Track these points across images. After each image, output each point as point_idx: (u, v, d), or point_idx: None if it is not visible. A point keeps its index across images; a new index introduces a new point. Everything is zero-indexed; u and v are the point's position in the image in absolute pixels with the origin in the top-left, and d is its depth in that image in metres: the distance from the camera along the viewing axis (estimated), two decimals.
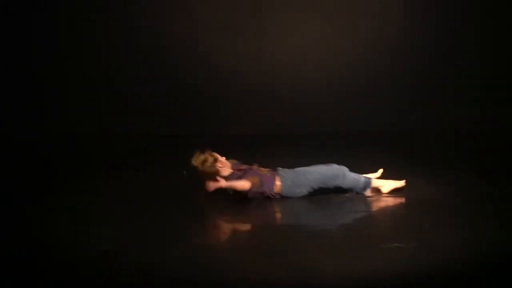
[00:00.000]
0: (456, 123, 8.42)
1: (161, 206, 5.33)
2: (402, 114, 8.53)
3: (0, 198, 5.65)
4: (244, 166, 5.63)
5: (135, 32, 8.65)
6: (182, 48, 8.68)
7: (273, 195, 5.47)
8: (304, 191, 5.48)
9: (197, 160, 5.47)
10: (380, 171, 5.81)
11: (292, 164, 5.71)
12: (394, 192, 5.57)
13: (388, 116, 8.52)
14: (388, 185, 5.58)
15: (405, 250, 4.29)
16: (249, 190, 5.39)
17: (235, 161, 5.72)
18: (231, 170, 5.56)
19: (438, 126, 8.45)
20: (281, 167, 5.63)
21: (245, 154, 5.85)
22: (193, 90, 8.72)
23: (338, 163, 5.71)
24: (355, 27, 8.58)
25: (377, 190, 5.58)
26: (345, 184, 5.51)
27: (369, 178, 5.57)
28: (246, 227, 5.09)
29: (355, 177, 5.53)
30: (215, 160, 5.47)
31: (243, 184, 5.37)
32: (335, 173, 5.48)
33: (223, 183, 5.36)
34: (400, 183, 5.60)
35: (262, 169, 5.57)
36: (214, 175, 5.44)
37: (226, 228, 5.09)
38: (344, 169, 5.53)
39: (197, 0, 8.65)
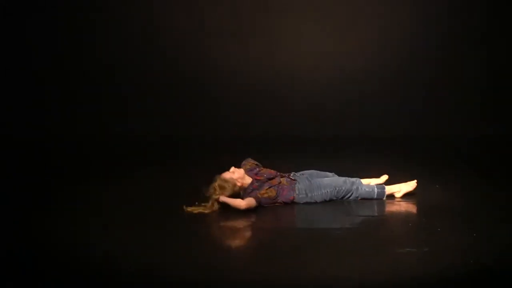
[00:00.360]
0: (457, 126, 8.42)
1: (161, 206, 5.33)
2: (403, 117, 8.52)
3: (0, 198, 5.65)
4: (262, 174, 5.47)
5: (135, 32, 8.65)
6: (182, 48, 8.68)
7: (284, 202, 5.43)
8: (315, 202, 5.45)
9: (217, 192, 5.23)
10: (384, 177, 5.76)
11: (295, 165, 5.73)
12: (405, 196, 5.55)
13: (389, 119, 8.50)
14: (401, 190, 5.56)
15: (416, 255, 4.28)
16: (259, 204, 5.27)
17: (253, 164, 5.61)
18: (250, 179, 5.41)
19: (440, 129, 8.44)
20: (292, 170, 5.64)
21: (246, 155, 5.82)
22: (193, 90, 8.72)
23: (340, 166, 5.72)
24: (358, 30, 8.56)
25: (390, 196, 5.56)
26: (359, 197, 5.51)
27: (383, 188, 5.53)
28: (250, 228, 5.06)
29: (368, 190, 5.51)
30: (232, 181, 5.28)
31: (238, 204, 5.18)
32: (348, 188, 5.47)
33: (222, 198, 5.23)
34: (412, 185, 5.58)
35: (282, 178, 5.47)
36: (241, 190, 5.33)
37: (227, 228, 5.08)
38: (358, 183, 5.51)
39: (198, 1, 8.65)
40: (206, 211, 5.20)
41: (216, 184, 5.26)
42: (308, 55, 8.63)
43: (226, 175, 5.32)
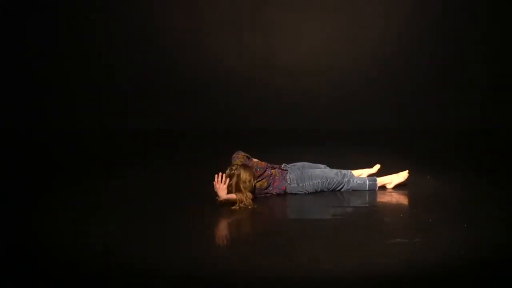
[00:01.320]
0: (456, 123, 8.44)
1: (161, 206, 5.33)
2: (403, 115, 8.54)
3: (0, 198, 5.65)
4: (256, 169, 5.50)
5: (135, 32, 8.66)
6: (182, 48, 8.69)
7: (277, 193, 5.51)
8: (306, 192, 5.53)
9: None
10: (376, 167, 5.84)
11: (293, 159, 5.77)
12: (397, 187, 5.64)
13: (389, 118, 8.52)
14: (392, 181, 5.63)
15: (407, 246, 4.31)
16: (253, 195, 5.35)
17: (244, 157, 5.61)
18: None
19: (439, 125, 8.46)
20: (284, 161, 5.70)
21: (246, 150, 5.83)
22: (193, 90, 8.74)
23: (337, 160, 5.77)
24: (359, 25, 8.59)
25: (382, 187, 5.64)
26: (350, 189, 5.57)
27: (374, 180, 5.60)
28: (247, 223, 5.08)
29: (360, 182, 5.58)
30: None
31: (240, 198, 5.24)
32: (339, 180, 5.54)
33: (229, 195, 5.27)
34: (403, 175, 5.65)
35: (273, 170, 5.53)
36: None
37: (227, 226, 5.08)
38: (350, 175, 5.57)
39: (198, 1, 8.65)
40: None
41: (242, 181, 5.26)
42: (307, 54, 8.65)
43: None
